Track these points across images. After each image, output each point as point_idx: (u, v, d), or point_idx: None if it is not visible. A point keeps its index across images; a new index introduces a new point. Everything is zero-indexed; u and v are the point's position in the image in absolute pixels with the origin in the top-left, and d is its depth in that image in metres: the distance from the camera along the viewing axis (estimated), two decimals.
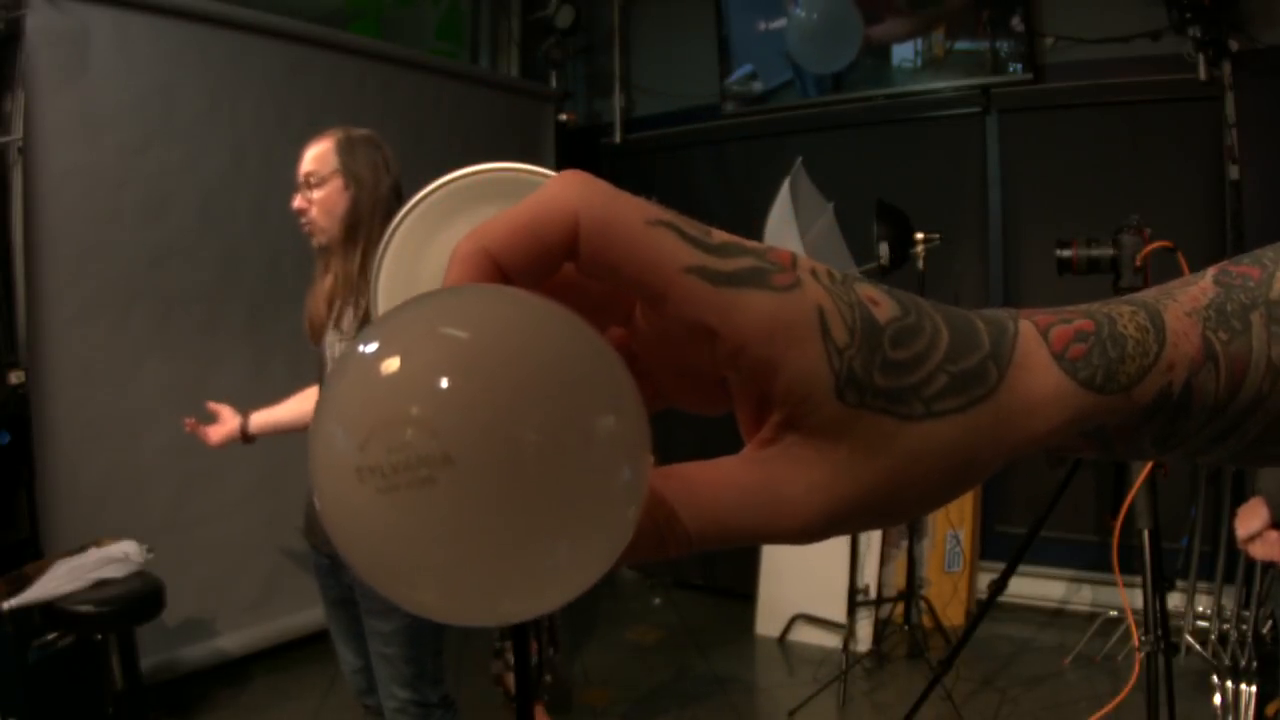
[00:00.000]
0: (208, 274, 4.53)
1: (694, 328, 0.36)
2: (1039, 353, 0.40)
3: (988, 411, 0.38)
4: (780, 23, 6.08)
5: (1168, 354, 0.42)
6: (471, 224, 1.24)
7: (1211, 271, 0.45)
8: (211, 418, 3.06)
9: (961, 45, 5.58)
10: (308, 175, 2.68)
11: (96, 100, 4.10)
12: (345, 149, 2.77)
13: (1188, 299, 0.44)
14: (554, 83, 6.76)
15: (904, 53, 5.77)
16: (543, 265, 0.36)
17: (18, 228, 3.91)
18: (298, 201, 2.70)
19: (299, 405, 3.09)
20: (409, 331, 0.32)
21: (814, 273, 0.37)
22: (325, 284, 2.72)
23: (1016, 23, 5.36)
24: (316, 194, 2.68)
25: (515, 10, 6.85)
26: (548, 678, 4.23)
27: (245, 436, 3.08)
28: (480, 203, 1.54)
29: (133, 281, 4.24)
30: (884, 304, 0.38)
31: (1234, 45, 4.81)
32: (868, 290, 0.38)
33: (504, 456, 0.30)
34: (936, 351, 0.38)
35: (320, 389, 0.34)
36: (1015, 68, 5.43)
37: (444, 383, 0.30)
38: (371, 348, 0.32)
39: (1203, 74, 4.92)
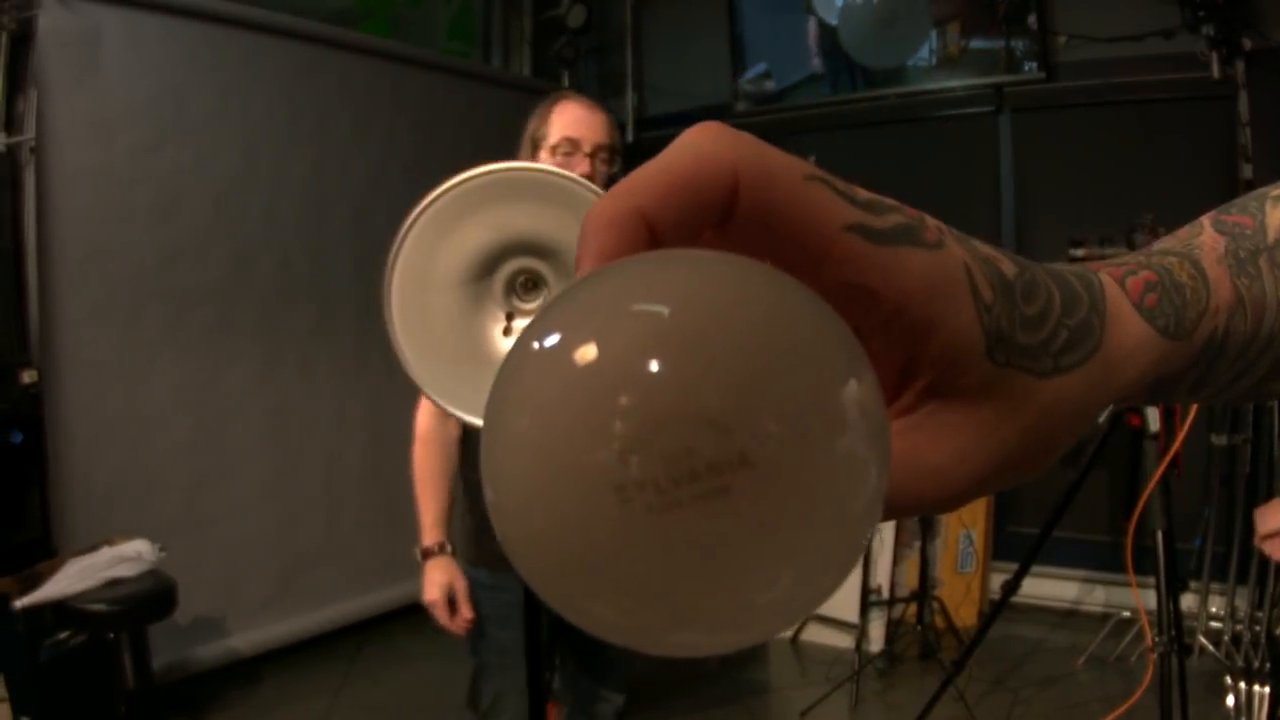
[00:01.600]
0: (219, 273, 4.54)
1: (852, 290, 0.34)
2: (1123, 303, 0.41)
3: (1099, 364, 0.39)
4: (797, 18, 6.06)
5: (1213, 300, 0.44)
6: (485, 224, 1.24)
7: (1208, 222, 0.48)
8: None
9: (976, 44, 5.56)
10: (601, 146, 2.32)
11: (108, 100, 4.11)
12: (616, 128, 2.40)
13: (1209, 248, 0.46)
14: (566, 82, 6.74)
15: (919, 51, 5.75)
16: (697, 224, 0.32)
17: (30, 227, 3.92)
18: (585, 168, 2.28)
19: (435, 478, 2.61)
20: (649, 308, 0.27)
21: (941, 228, 0.36)
22: None
23: (1032, 21, 5.34)
24: (606, 169, 2.32)
25: (527, 9, 6.85)
26: None
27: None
28: (493, 203, 1.54)
29: (144, 281, 4.25)
30: (1004, 259, 0.37)
31: (1247, 44, 4.79)
32: (984, 246, 0.37)
33: (796, 448, 0.26)
34: (1054, 307, 0.38)
35: (504, 391, 0.28)
36: (1030, 66, 5.41)
37: (717, 360, 0.26)
38: (602, 325, 0.27)
39: (1216, 73, 4.89)
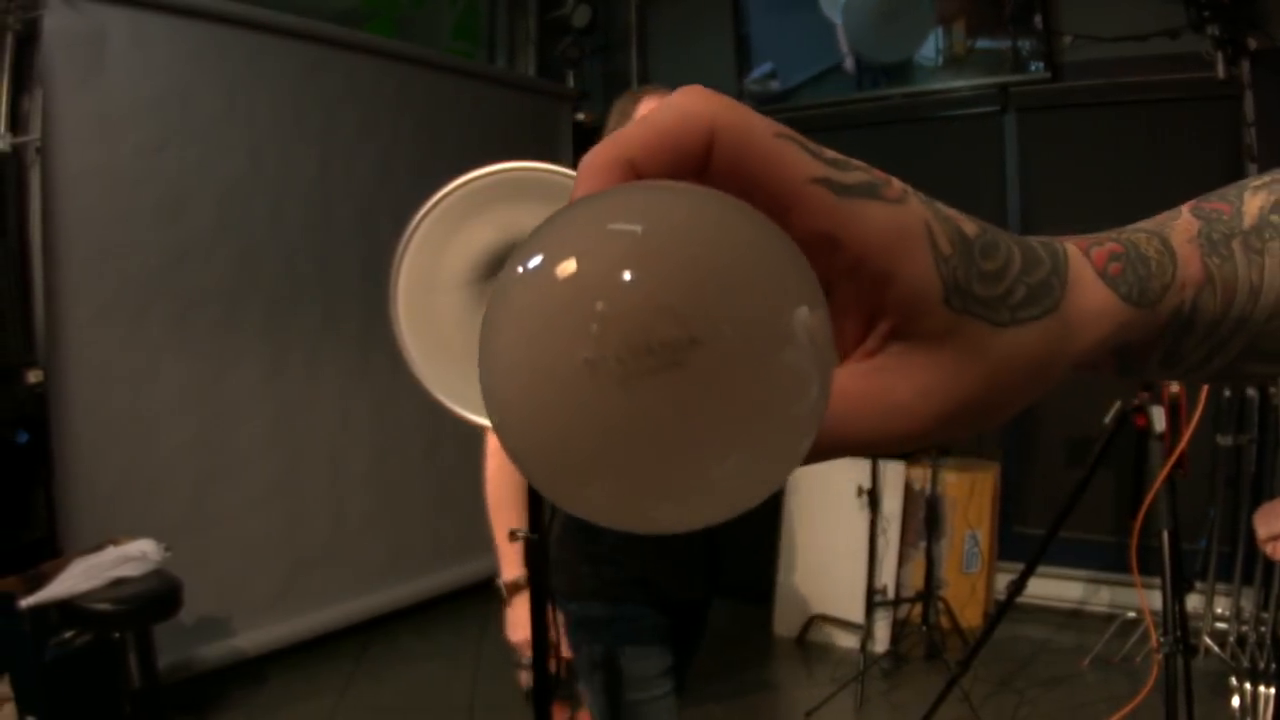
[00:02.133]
0: (225, 273, 4.54)
1: (816, 239, 0.37)
2: (1087, 270, 0.44)
3: (1057, 321, 0.42)
4: (803, 18, 6.05)
5: (1180, 274, 0.46)
6: (491, 224, 1.24)
7: (1186, 208, 0.50)
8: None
9: (982, 44, 5.55)
10: None
11: (114, 100, 4.11)
12: None
13: (1182, 229, 0.48)
14: (571, 82, 6.76)
15: (925, 51, 5.74)
16: (679, 174, 0.35)
17: (36, 228, 3.93)
18: None
19: (517, 501, 2.17)
20: (624, 223, 0.31)
21: (906, 189, 0.39)
22: None
23: (1037, 21, 5.34)
24: None
25: (532, 9, 6.85)
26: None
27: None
28: (499, 203, 1.54)
29: (150, 281, 4.25)
30: (966, 220, 0.40)
31: (1252, 44, 4.78)
32: (950, 210, 0.40)
33: (743, 339, 0.30)
34: (1014, 265, 0.41)
35: (503, 297, 0.32)
36: (1036, 66, 5.41)
37: (679, 268, 0.30)
38: (579, 247, 0.31)
39: (1221, 72, 4.89)
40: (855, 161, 0.39)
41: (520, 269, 0.31)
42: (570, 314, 0.30)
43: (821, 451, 0.38)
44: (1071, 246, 0.45)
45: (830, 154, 0.38)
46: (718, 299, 0.30)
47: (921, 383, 0.39)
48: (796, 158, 0.36)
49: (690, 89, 0.36)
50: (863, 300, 0.39)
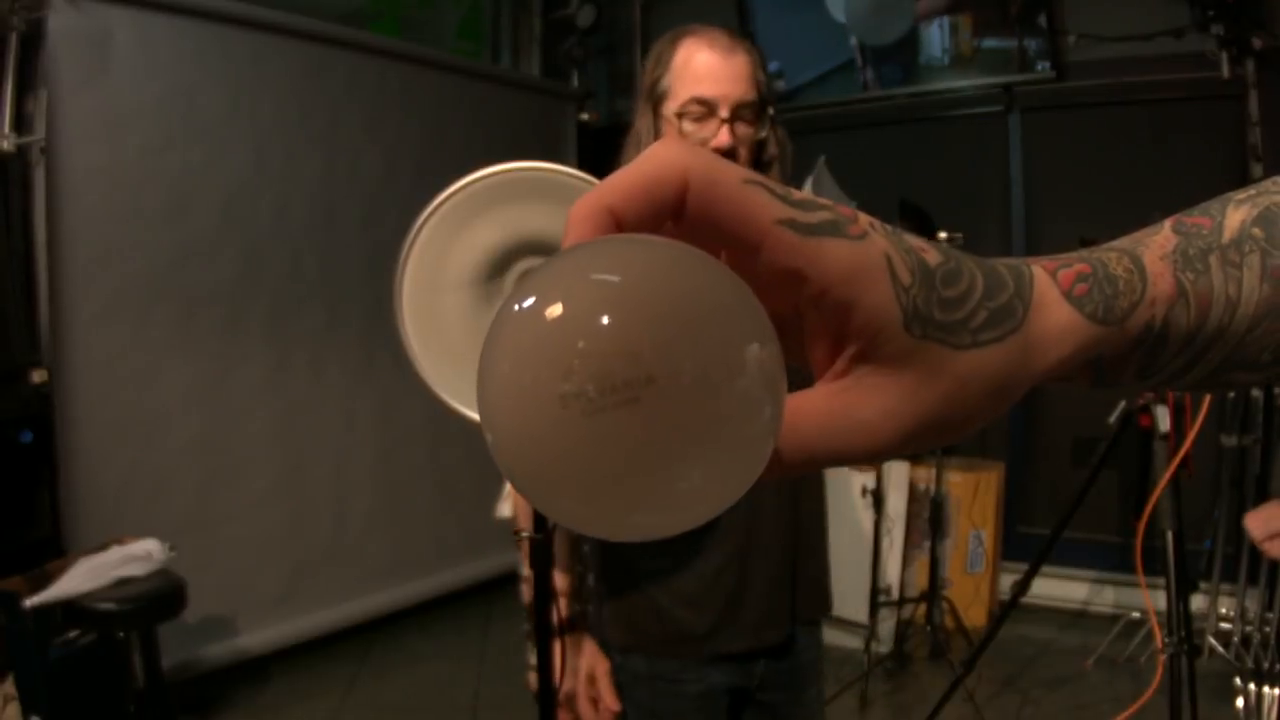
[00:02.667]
0: (229, 273, 4.54)
1: (784, 273, 0.40)
2: (1051, 292, 0.46)
3: (1018, 342, 0.44)
4: (809, 17, 6.03)
5: (1150, 291, 0.48)
6: (495, 224, 1.23)
7: (1169, 223, 0.52)
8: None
9: (988, 44, 5.55)
10: (743, 104, 1.80)
11: (118, 100, 4.11)
12: (760, 66, 1.85)
13: (1157, 245, 0.50)
14: (575, 82, 6.76)
15: (931, 50, 5.73)
16: (656, 220, 0.40)
17: (40, 227, 3.93)
18: (724, 138, 1.78)
19: (560, 538, 2.00)
20: (601, 277, 0.35)
21: (872, 225, 0.42)
22: None
23: (1043, 21, 5.33)
24: (751, 131, 1.83)
25: (536, 9, 6.85)
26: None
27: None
28: (503, 203, 1.54)
29: (154, 281, 4.25)
30: (930, 251, 0.43)
31: (1257, 43, 4.77)
32: (915, 240, 0.43)
33: (694, 376, 0.34)
34: (976, 291, 0.44)
35: (499, 330, 0.37)
36: (1043, 66, 5.40)
37: (641, 318, 0.34)
38: (563, 294, 0.35)
39: (1226, 72, 4.88)
40: (822, 201, 0.41)
41: (516, 307, 0.36)
42: (550, 355, 0.34)
43: (793, 464, 0.42)
44: (1039, 269, 0.47)
45: (798, 196, 0.41)
46: (675, 341, 0.34)
47: (884, 403, 0.42)
48: (763, 201, 0.40)
49: (669, 142, 0.40)
50: (830, 328, 0.42)
